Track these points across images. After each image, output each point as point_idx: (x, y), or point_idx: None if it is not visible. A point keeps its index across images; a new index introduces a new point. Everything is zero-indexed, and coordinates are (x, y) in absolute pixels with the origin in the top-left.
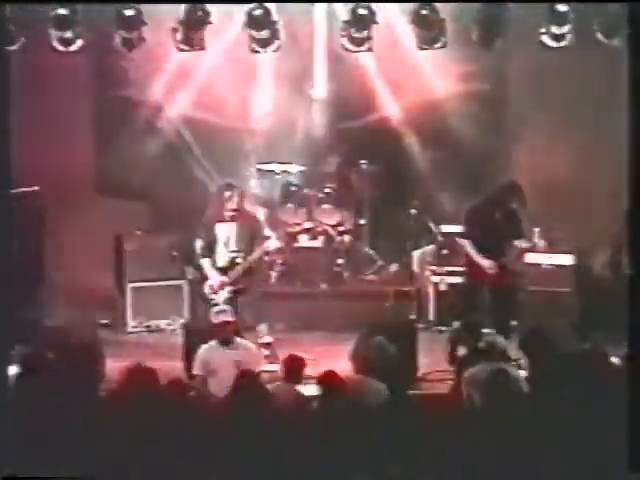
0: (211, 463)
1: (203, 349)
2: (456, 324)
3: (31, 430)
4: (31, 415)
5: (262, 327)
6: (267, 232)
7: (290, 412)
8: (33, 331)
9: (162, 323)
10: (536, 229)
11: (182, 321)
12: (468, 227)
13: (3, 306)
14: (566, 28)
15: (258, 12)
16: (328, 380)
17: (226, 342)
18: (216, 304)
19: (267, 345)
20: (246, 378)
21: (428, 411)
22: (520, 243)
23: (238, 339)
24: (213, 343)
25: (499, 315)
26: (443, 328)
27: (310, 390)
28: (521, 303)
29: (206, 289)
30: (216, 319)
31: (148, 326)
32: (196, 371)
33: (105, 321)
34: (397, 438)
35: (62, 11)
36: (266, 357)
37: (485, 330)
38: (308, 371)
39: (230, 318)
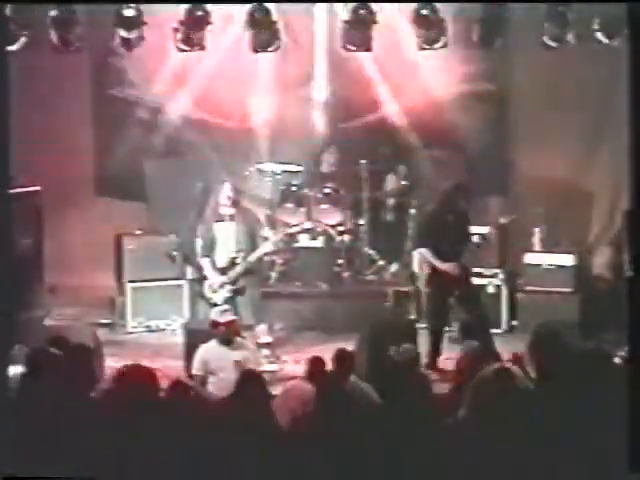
0: (211, 463)
1: (203, 349)
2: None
3: (31, 430)
4: (31, 415)
5: (262, 327)
6: (267, 232)
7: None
8: (33, 331)
9: (162, 323)
10: (536, 229)
11: (182, 321)
12: (425, 234)
13: (3, 306)
14: (566, 28)
15: (258, 12)
16: (314, 367)
17: (226, 342)
18: (215, 304)
19: (267, 345)
20: (249, 379)
21: (428, 411)
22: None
23: (238, 339)
24: (213, 343)
25: (471, 316)
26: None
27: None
28: (521, 303)
29: (205, 289)
30: (218, 319)
31: (148, 326)
32: (196, 371)
33: (105, 321)
34: (397, 439)
35: (62, 11)
36: (266, 357)
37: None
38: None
39: (232, 318)
